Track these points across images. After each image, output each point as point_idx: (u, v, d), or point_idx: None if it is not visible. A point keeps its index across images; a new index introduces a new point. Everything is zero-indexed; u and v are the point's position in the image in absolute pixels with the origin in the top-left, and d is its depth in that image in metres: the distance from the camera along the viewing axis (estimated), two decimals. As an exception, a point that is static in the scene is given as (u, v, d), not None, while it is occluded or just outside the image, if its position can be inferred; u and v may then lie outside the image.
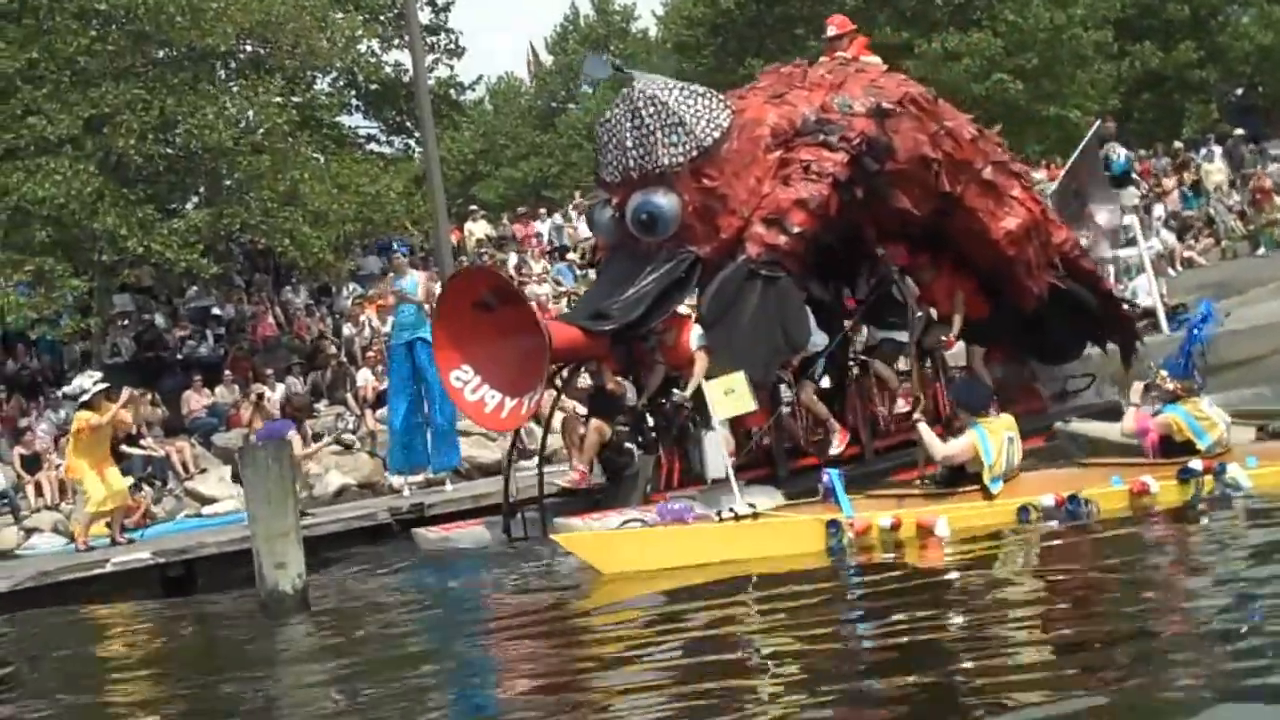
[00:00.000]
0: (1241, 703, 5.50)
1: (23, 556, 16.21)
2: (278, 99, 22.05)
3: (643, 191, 12.20)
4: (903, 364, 13.78)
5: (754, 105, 12.86)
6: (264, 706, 8.01)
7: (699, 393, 11.49)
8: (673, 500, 11.15)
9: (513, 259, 26.73)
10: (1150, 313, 21.79)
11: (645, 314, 12.02)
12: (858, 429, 13.23)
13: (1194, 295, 20.32)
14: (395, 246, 19.98)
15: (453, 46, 30.23)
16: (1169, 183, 27.90)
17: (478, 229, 30.01)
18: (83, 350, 22.27)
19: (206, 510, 17.44)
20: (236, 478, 17.55)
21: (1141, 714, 5.71)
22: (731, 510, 10.18)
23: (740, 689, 6.74)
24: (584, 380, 13.89)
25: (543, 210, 32.70)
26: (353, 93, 28.21)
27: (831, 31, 14.82)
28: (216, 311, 24.71)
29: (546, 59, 55.62)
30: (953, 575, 8.94)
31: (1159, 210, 26.38)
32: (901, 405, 13.75)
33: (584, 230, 24.98)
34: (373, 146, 29.56)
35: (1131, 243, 22.24)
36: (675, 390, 12.13)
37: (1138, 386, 11.08)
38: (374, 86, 28.14)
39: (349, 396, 20.53)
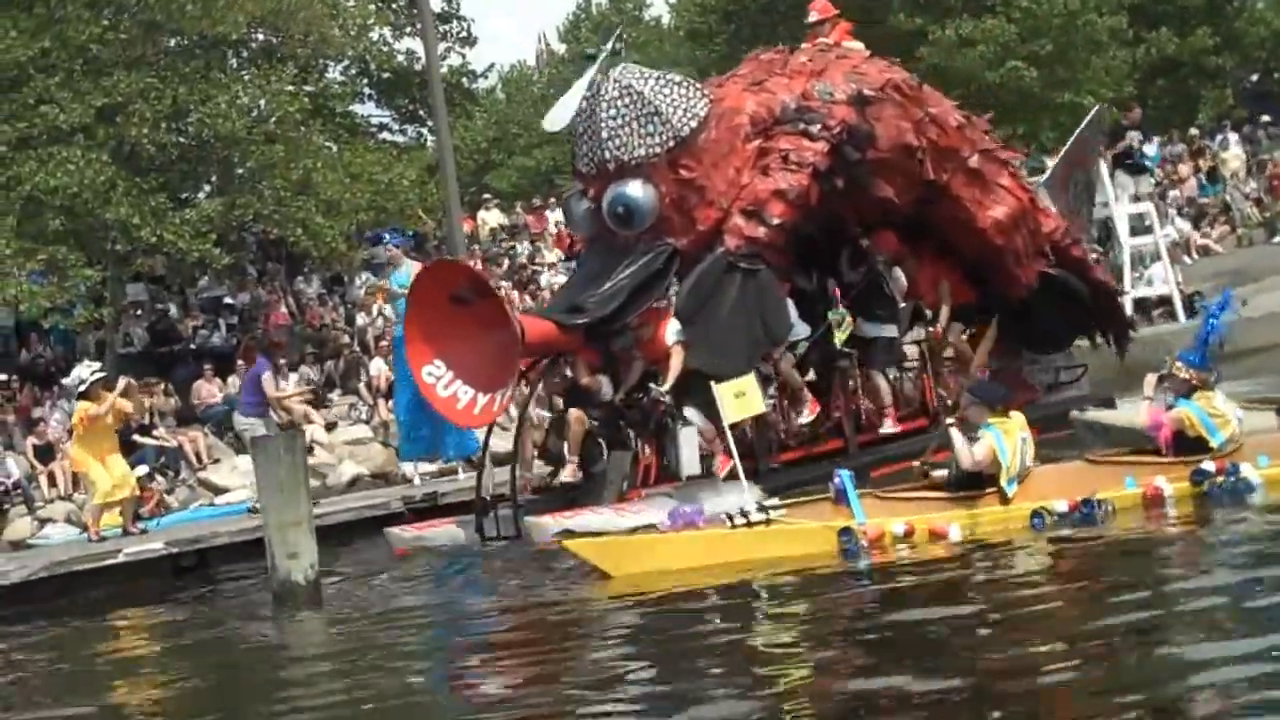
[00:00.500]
0: (1256, 708, 5.45)
1: (36, 546, 16.24)
2: (290, 88, 21.99)
3: (618, 183, 12.00)
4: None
5: (732, 93, 12.67)
6: (272, 700, 8.00)
7: (676, 387, 11.33)
8: (681, 502, 10.93)
9: (525, 248, 26.67)
10: (1166, 300, 21.74)
11: (621, 308, 11.77)
12: (842, 423, 13.07)
13: (1210, 283, 20.27)
14: (386, 239, 19.82)
15: (465, 34, 30.16)
16: (1185, 169, 27.73)
17: (491, 218, 29.97)
18: (96, 340, 22.27)
19: (219, 500, 17.47)
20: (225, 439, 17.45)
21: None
22: (743, 514, 9.89)
23: (751, 692, 6.73)
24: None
25: (553, 199, 32.58)
26: (365, 81, 28.10)
27: (813, 17, 14.48)
28: (229, 301, 24.69)
29: (559, 47, 55.52)
30: (964, 580, 8.84)
31: (1174, 196, 26.28)
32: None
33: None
34: (385, 135, 29.49)
35: (1147, 230, 22.18)
36: (652, 385, 11.84)
37: (1151, 379, 10.76)
38: (386, 75, 28.03)
39: (362, 386, 20.53)
